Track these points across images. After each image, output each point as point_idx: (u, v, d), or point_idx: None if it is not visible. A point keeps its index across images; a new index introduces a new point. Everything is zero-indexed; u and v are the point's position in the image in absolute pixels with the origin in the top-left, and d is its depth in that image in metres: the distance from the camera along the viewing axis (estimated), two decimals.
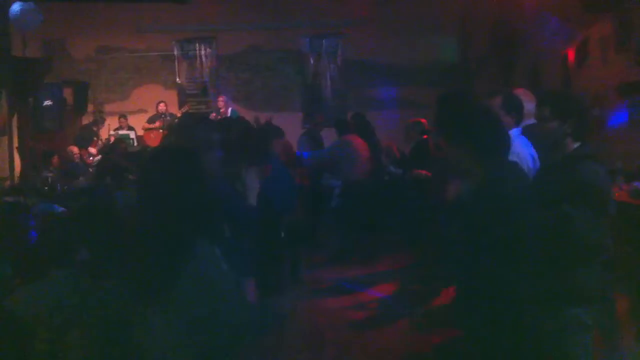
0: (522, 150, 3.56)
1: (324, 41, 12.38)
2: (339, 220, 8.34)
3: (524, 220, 2.51)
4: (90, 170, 9.63)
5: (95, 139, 11.13)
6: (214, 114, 10.57)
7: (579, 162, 3.07)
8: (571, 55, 8.44)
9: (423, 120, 7.95)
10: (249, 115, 8.54)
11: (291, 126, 9.24)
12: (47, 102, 10.74)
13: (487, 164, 2.59)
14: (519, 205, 2.53)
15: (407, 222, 7.98)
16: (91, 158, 10.46)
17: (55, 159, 9.41)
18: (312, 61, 12.46)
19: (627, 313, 4.49)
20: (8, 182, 8.53)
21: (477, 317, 2.57)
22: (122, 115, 11.53)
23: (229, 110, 10.98)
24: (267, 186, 3.75)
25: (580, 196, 2.90)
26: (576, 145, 3.16)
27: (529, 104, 4.07)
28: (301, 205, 5.55)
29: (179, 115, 11.27)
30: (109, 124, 11.66)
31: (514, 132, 3.56)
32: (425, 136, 7.30)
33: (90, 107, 12.02)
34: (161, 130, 11.14)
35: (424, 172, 6.53)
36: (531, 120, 3.62)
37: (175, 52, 12.30)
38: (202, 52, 12.29)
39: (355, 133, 8.37)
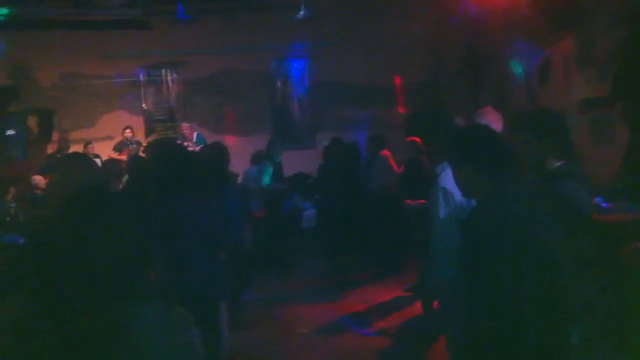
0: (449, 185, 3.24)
1: (290, 63, 12.31)
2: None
3: (532, 234, 2.51)
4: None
5: None
6: (179, 140, 10.45)
7: (560, 181, 3.06)
8: (535, 72, 8.50)
9: (417, 139, 7.90)
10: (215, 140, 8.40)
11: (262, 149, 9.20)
12: (10, 132, 10.50)
13: (494, 181, 2.62)
14: (529, 219, 2.54)
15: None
16: None
17: (12, 189, 9.04)
18: (279, 84, 12.38)
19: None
20: None
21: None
22: (88, 143, 11.33)
23: (194, 135, 10.85)
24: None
25: (561, 214, 2.84)
26: (558, 163, 3.15)
27: (496, 124, 4.03)
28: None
29: (144, 142, 11.10)
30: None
31: (444, 165, 3.41)
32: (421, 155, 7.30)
33: (55, 135, 11.81)
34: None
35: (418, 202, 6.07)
36: None
37: (142, 78, 12.15)
38: (168, 77, 12.16)
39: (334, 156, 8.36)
